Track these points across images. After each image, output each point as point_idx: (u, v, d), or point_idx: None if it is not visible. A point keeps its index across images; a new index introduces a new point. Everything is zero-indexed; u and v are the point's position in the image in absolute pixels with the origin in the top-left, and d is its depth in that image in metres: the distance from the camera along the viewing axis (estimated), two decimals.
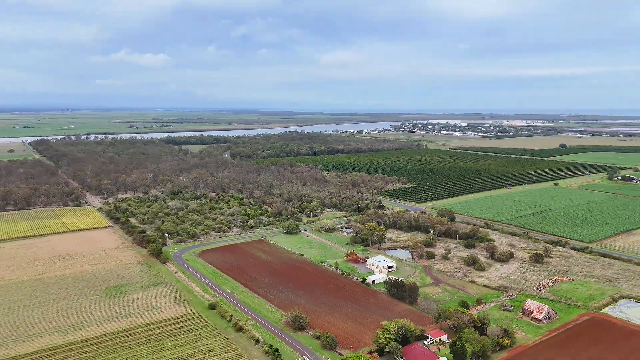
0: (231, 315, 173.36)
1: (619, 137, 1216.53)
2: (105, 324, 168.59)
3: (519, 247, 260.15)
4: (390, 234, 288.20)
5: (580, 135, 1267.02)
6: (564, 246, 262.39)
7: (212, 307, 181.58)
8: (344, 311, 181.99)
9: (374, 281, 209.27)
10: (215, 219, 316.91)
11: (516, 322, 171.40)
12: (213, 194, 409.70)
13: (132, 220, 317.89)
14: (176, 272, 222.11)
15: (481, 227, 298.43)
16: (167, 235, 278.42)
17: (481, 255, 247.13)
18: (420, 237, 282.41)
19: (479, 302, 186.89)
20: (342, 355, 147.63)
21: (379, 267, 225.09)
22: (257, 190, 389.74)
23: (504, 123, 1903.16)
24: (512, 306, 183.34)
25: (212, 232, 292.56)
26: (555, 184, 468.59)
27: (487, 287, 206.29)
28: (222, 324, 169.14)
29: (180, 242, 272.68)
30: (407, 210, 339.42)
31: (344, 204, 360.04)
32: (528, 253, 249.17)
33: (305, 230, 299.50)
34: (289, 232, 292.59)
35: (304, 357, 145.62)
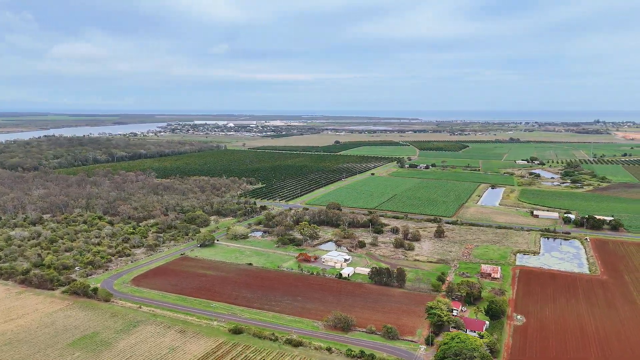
0: (272, 334, 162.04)
1: (366, 133, 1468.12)
2: None
3: (413, 227, 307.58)
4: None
5: (337, 133, 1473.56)
6: (439, 222, 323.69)
7: (237, 331, 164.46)
8: (357, 305, 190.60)
9: (349, 274, 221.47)
10: (101, 244, 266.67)
11: (486, 281, 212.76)
12: (47, 215, 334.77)
13: None
14: (139, 307, 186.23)
15: (366, 215, 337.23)
16: (77, 269, 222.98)
17: (396, 237, 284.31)
18: (331, 230, 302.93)
19: (444, 274, 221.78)
20: (407, 340, 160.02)
21: (338, 262, 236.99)
22: (124, 206, 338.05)
23: (266, 123, 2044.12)
24: (468, 273, 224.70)
25: (116, 258, 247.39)
26: (372, 174, 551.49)
27: (431, 262, 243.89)
28: (270, 344, 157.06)
29: (88, 275, 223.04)
30: (290, 209, 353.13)
31: (227, 209, 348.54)
32: (425, 231, 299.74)
33: (217, 240, 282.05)
34: (203, 245, 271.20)
35: (421, 346, 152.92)
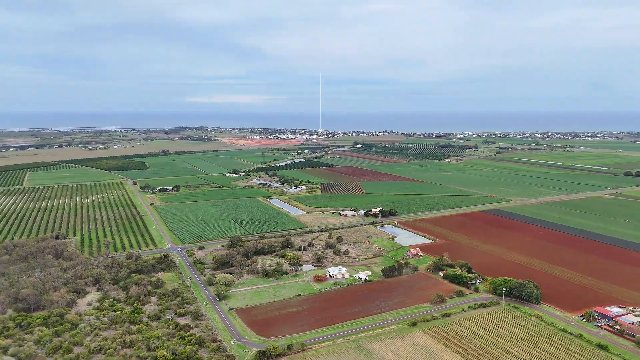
0: (428, 317, 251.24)
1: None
2: None
3: (312, 238, 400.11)
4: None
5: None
6: (313, 232, 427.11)
7: (414, 324, 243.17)
8: (406, 291, 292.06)
9: (364, 278, 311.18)
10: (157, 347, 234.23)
11: (417, 259, 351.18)
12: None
13: None
14: (334, 342, 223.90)
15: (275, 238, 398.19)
16: None
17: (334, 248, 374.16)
18: (268, 257, 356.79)
19: (406, 262, 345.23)
20: (468, 294, 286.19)
21: (343, 274, 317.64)
22: (58, 292, 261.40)
23: None
24: (404, 257, 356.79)
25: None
26: (152, 204, 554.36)
27: (372, 258, 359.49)
28: (439, 321, 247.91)
29: None
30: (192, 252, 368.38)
31: (141, 264, 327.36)
32: (319, 240, 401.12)
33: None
34: (221, 298, 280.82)
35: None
